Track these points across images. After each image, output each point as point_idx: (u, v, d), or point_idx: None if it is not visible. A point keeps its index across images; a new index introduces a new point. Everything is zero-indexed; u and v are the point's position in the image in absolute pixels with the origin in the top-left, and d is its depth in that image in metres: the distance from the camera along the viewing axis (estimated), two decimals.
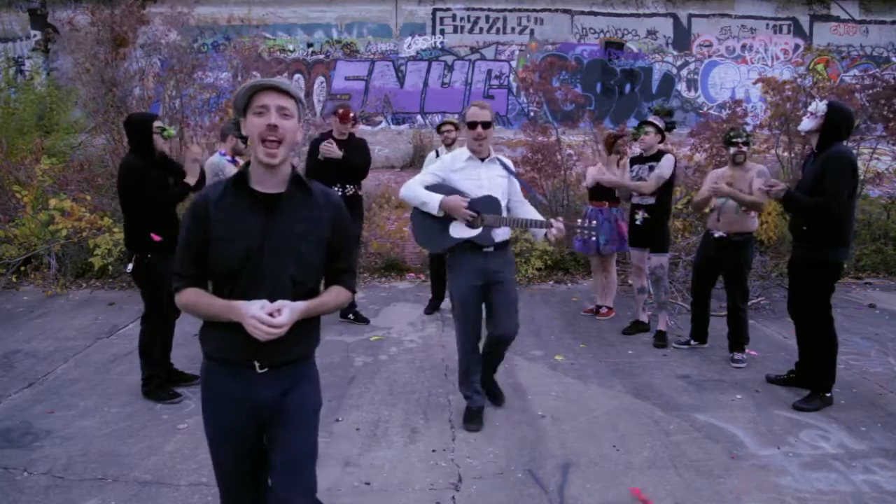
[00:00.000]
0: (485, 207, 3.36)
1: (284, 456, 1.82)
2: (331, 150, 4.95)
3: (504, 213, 3.45)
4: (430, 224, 3.43)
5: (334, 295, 1.91)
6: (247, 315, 1.68)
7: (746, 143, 4.40)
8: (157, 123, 3.80)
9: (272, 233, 1.75)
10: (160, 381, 3.91)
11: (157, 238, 3.75)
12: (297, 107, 1.79)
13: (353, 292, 1.99)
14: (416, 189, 3.43)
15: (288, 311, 1.71)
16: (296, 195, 1.81)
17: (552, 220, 3.32)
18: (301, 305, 1.76)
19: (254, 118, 1.73)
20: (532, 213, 3.52)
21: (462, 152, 3.48)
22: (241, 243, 1.73)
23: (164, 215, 3.82)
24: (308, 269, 1.83)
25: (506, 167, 3.52)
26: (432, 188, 3.42)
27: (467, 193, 3.38)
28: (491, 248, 3.41)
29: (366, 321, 5.51)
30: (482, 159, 3.44)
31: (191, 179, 3.94)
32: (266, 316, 1.68)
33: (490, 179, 3.43)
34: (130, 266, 3.81)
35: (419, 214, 3.47)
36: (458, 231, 3.38)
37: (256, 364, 1.79)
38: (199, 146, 4.28)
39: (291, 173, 1.82)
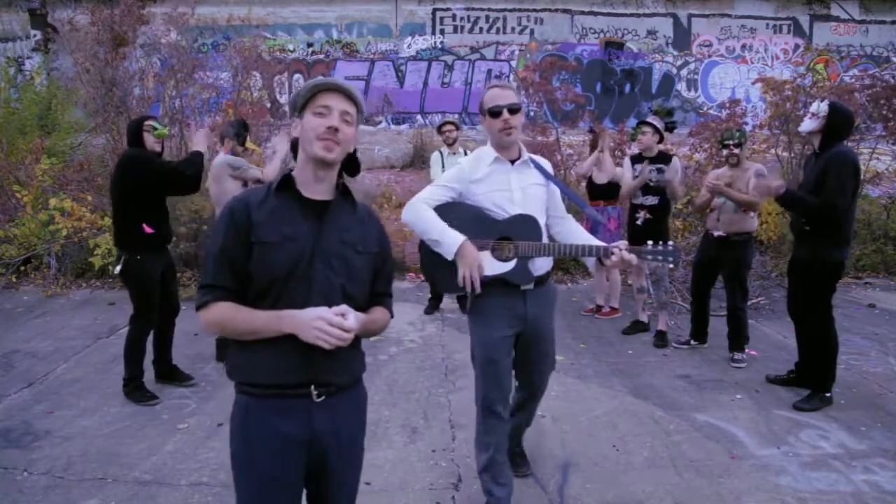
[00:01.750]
0: (519, 231, 2.45)
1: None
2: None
3: (544, 235, 2.53)
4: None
5: (380, 315, 1.74)
6: (309, 319, 1.48)
7: (739, 145, 4.41)
8: (148, 122, 3.79)
9: (322, 239, 1.59)
10: (140, 382, 3.89)
11: (148, 230, 3.73)
12: (358, 116, 1.65)
13: (392, 317, 1.83)
14: (422, 213, 2.44)
15: (353, 316, 1.52)
16: (343, 205, 1.68)
17: (614, 247, 2.35)
18: (362, 316, 1.59)
19: (313, 118, 1.58)
20: (580, 234, 2.61)
21: (485, 153, 2.55)
22: (288, 248, 1.56)
23: (157, 205, 3.79)
24: (358, 282, 1.65)
25: (543, 171, 2.61)
26: (445, 210, 2.47)
27: (496, 214, 2.49)
28: (530, 286, 2.51)
29: None
30: (512, 161, 2.53)
31: (201, 147, 3.90)
32: (336, 317, 1.48)
33: (524, 190, 2.51)
34: (119, 268, 3.77)
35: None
36: (484, 265, 2.41)
37: (313, 390, 1.56)
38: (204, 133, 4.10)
39: (339, 182, 1.68)
